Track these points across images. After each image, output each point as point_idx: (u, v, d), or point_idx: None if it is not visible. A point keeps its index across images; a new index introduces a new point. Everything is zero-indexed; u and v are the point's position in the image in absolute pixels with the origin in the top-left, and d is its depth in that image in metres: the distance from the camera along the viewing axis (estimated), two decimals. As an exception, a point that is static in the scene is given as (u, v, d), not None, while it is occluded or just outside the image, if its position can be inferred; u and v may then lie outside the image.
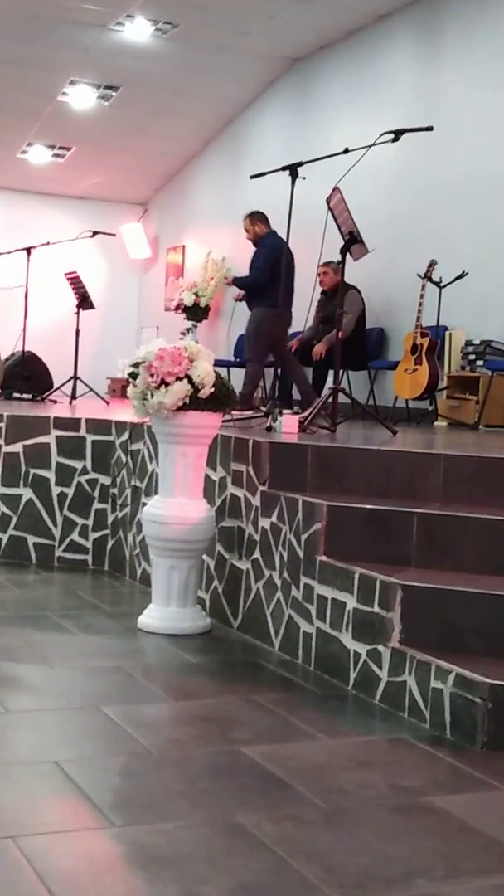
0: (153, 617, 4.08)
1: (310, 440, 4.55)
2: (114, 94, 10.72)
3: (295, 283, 7.76)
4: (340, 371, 6.21)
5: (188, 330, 11.80)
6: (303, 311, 7.07)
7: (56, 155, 12.46)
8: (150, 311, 13.69)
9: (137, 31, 9.49)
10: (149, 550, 4.25)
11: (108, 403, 8.60)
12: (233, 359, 10.72)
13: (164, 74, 10.25)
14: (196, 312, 11.81)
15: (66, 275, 9.08)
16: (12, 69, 10.07)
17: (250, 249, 8.17)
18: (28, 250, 8.76)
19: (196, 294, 11.73)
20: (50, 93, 10.69)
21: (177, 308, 11.84)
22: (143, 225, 13.85)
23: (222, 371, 4.44)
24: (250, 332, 8.04)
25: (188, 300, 11.72)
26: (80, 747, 2.77)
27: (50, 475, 5.48)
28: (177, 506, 4.06)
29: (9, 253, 8.74)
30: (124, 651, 3.80)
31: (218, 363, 4.61)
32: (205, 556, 4.38)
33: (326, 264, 8.24)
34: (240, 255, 11.54)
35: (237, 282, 8.25)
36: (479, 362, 7.82)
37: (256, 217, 8.20)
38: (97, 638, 3.98)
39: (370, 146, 5.32)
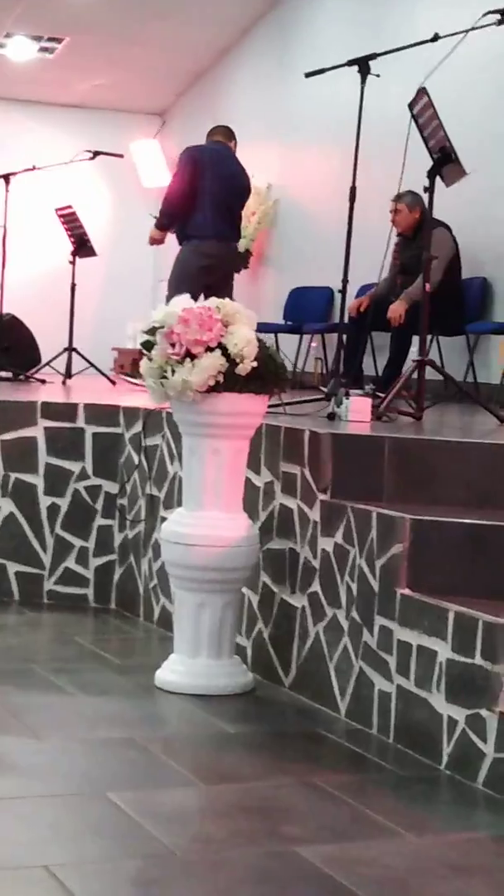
0: (176, 671, 4.10)
1: (387, 431, 4.55)
2: (120, -35, 10.78)
3: (241, 208, 8.26)
4: (428, 337, 6.20)
5: (222, 283, 11.81)
6: (376, 260, 7.06)
7: (43, 49, 12.53)
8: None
9: None
10: (170, 582, 4.27)
11: (114, 384, 8.65)
12: (283, 321, 10.73)
13: None
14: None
15: (57, 211, 9.12)
16: None
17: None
18: (6, 178, 8.81)
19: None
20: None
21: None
22: (160, 142, 13.89)
23: (268, 338, 4.45)
24: (172, 274, 8.30)
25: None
26: (80, 847, 2.79)
27: (37, 481, 5.52)
28: (207, 521, 4.07)
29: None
30: (138, 717, 3.82)
31: (262, 328, 4.61)
32: (245, 590, 4.39)
33: (398, 198, 8.19)
34: (293, 182, 11.54)
35: (158, 224, 8.43)
36: None
37: (217, 130, 8.52)
38: (101, 700, 4.00)
39: (468, 31, 5.31)
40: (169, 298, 8.04)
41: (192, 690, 4.03)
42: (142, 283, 13.77)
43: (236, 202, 8.36)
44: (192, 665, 4.10)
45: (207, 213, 8.14)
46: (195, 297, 7.80)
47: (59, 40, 12.32)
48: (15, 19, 11.76)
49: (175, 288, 8.03)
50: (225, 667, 4.11)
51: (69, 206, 9.13)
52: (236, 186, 8.35)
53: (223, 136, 8.49)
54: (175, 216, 8.19)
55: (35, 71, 12.79)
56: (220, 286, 7.85)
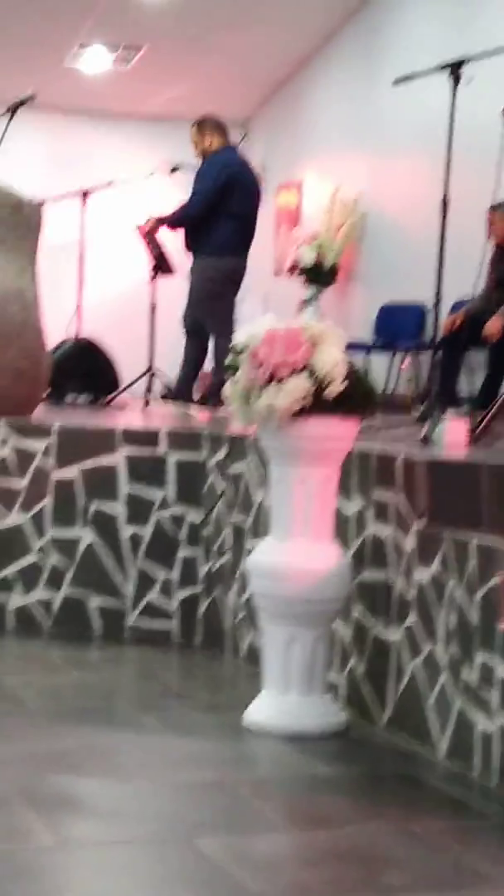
0: (266, 710, 4.10)
1: (485, 455, 4.52)
2: (199, -29, 10.84)
3: (257, 222, 8.49)
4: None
5: (308, 301, 11.82)
6: (471, 273, 7.02)
7: (119, 60, 12.64)
8: (253, 274, 13.74)
9: None
10: (258, 615, 4.27)
11: (198, 407, 8.68)
12: (372, 340, 10.71)
13: None
14: (319, 275, 11.80)
15: (139, 228, 9.18)
16: None
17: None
18: (83, 195, 8.91)
19: (319, 249, 11.75)
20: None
21: (292, 270, 11.86)
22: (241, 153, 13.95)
23: (357, 358, 4.45)
24: (201, 294, 8.38)
25: (307, 258, 11.72)
26: (166, 896, 2.79)
27: (118, 510, 5.55)
28: (296, 552, 4.07)
29: (56, 200, 8.89)
30: (226, 759, 3.82)
31: (351, 346, 4.61)
32: (337, 624, 4.38)
33: (494, 209, 8.16)
34: (381, 193, 11.53)
35: (166, 221, 8.53)
36: None
37: (208, 126, 8.58)
38: (188, 740, 4.00)
39: None
40: (189, 316, 8.31)
41: (283, 730, 4.02)
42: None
43: (255, 213, 8.58)
44: (282, 703, 4.09)
45: (231, 228, 8.34)
46: (222, 314, 8.06)
47: (135, 51, 12.42)
48: (90, 29, 11.88)
49: (197, 304, 8.33)
50: (316, 705, 4.10)
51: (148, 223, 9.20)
52: (256, 196, 8.58)
53: (224, 136, 8.60)
54: (194, 228, 8.35)
55: (111, 83, 12.90)
56: (232, 301, 8.46)
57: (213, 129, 8.53)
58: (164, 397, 8.69)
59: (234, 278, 8.52)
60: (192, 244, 8.38)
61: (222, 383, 7.94)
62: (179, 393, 8.42)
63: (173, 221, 8.45)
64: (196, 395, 8.68)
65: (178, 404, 8.21)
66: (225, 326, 8.32)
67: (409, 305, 10.56)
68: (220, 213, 8.25)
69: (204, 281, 8.32)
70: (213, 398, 8.12)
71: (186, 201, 8.38)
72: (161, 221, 8.53)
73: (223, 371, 8.02)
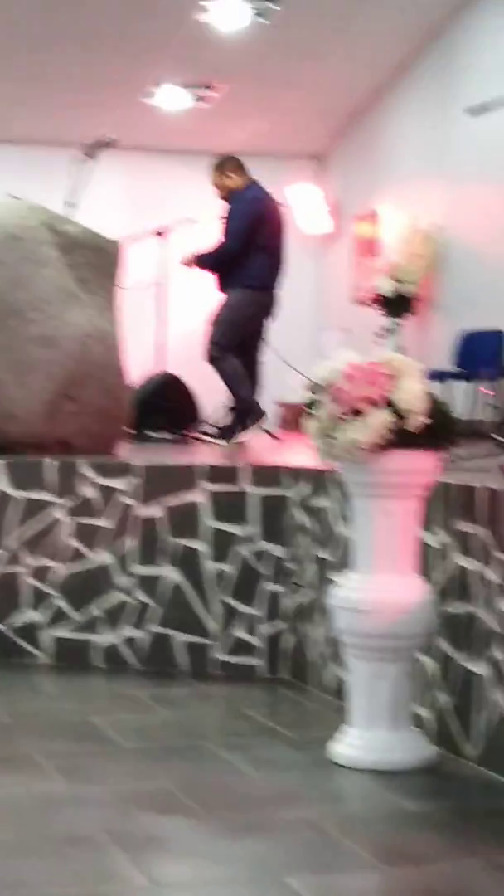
0: (352, 745, 4.09)
1: None
2: (274, 6, 10.90)
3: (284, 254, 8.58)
4: None
5: (387, 331, 11.82)
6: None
7: (196, 97, 12.73)
8: (332, 305, 13.80)
9: None
10: (343, 650, 4.26)
11: (278, 440, 8.69)
12: (453, 366, 10.67)
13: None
14: (398, 306, 11.83)
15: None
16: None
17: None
18: (162, 233, 8.97)
19: (398, 280, 11.76)
20: (185, 9, 10.96)
21: (371, 300, 11.89)
22: (319, 187, 14.00)
23: (437, 386, 4.44)
24: (224, 318, 8.52)
25: (386, 289, 11.76)
26: (257, 936, 2.79)
27: (202, 547, 5.57)
28: (380, 585, 4.07)
29: (136, 238, 8.96)
30: (313, 795, 3.82)
31: (431, 375, 4.60)
32: (422, 657, 4.36)
33: None
34: (460, 222, 11.51)
35: (201, 262, 8.67)
36: None
37: (228, 166, 8.66)
38: (275, 777, 4.00)
39: None
40: (216, 344, 8.41)
41: (370, 765, 4.01)
42: (303, 332, 13.82)
43: (283, 244, 8.71)
44: (369, 738, 4.08)
45: (263, 261, 8.50)
46: (244, 344, 8.17)
47: (211, 87, 12.51)
48: (166, 67, 11.98)
49: (223, 333, 8.45)
50: (403, 739, 4.08)
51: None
52: (282, 227, 8.72)
53: (245, 173, 8.72)
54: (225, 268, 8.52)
55: (188, 119, 12.99)
56: (260, 333, 8.69)
57: (234, 168, 8.65)
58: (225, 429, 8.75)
59: (267, 312, 8.69)
60: (224, 281, 8.55)
61: (247, 400, 8.25)
62: (246, 415, 8.58)
63: (212, 264, 8.59)
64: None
65: (253, 427, 8.46)
66: (221, 352, 8.51)
67: (489, 332, 10.52)
68: (251, 248, 8.42)
69: (231, 309, 8.49)
70: (249, 416, 8.46)
71: (220, 242, 8.52)
72: (199, 260, 8.64)
73: (240, 390, 8.29)
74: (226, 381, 8.52)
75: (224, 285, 8.56)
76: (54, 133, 12.53)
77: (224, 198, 8.60)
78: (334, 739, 4.16)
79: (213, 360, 8.48)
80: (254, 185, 8.64)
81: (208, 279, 8.87)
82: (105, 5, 10.71)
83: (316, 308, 14.04)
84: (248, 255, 8.44)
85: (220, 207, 8.66)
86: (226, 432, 8.46)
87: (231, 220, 8.49)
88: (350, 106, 13.08)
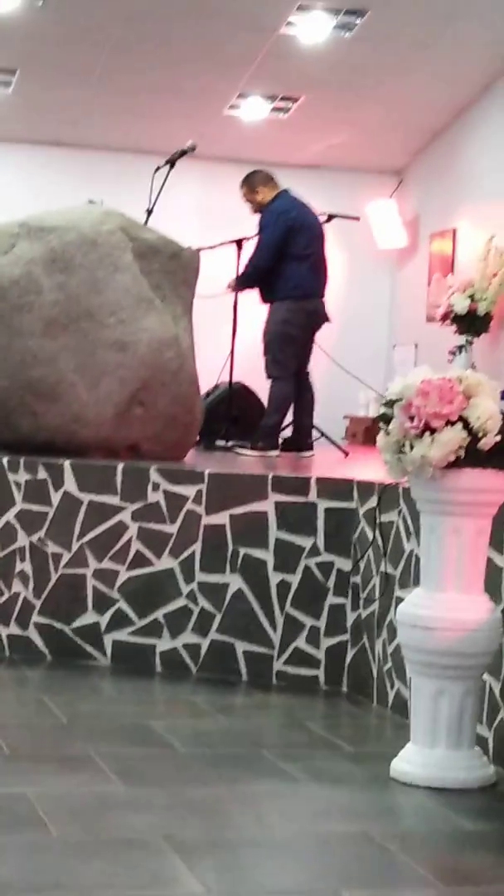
0: (413, 762, 4.07)
1: None
2: (358, 21, 10.91)
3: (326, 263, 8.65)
4: None
5: (460, 348, 11.77)
6: None
7: (277, 109, 12.76)
8: (405, 321, 13.77)
9: None
10: (406, 666, 4.25)
11: (346, 455, 8.70)
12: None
13: (428, -9, 10.38)
14: (472, 323, 11.78)
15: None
16: (219, -5, 10.45)
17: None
18: (238, 243, 8.99)
19: (472, 298, 11.71)
20: (270, 24, 11.00)
21: (444, 318, 11.85)
22: (397, 202, 13.98)
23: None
24: (272, 335, 8.53)
25: (461, 306, 11.71)
26: None
27: (267, 557, 5.57)
28: (447, 604, 4.05)
29: (212, 248, 8.99)
30: (372, 810, 3.80)
31: (505, 397, 4.58)
32: (487, 677, 4.34)
33: None
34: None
35: (241, 283, 8.77)
36: None
37: (256, 180, 8.76)
38: (333, 790, 4.00)
39: None
40: (276, 362, 8.43)
41: (430, 783, 3.99)
42: (376, 348, 13.82)
43: (322, 251, 8.73)
44: (430, 756, 4.06)
45: (303, 269, 8.48)
46: (286, 359, 8.09)
47: (293, 99, 12.53)
48: (248, 79, 12.03)
49: (279, 348, 8.49)
50: (464, 759, 4.06)
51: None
52: (319, 233, 8.76)
53: (275, 185, 8.85)
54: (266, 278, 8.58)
55: (268, 131, 13.02)
56: (311, 344, 8.71)
57: (262, 181, 8.74)
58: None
59: (311, 320, 8.64)
60: (267, 293, 8.59)
61: (273, 426, 8.28)
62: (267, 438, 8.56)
63: (246, 280, 8.65)
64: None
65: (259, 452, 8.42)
66: (284, 371, 8.52)
67: None
68: (289, 258, 8.43)
69: (279, 323, 8.48)
70: (263, 440, 8.34)
71: (252, 255, 8.58)
72: (239, 282, 8.73)
73: (274, 415, 8.34)
74: (270, 400, 8.57)
75: (267, 298, 8.60)
76: (135, 141, 12.62)
77: (256, 213, 8.71)
78: (394, 755, 4.15)
79: (273, 378, 8.55)
80: (283, 194, 8.71)
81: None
82: (192, 17, 10.76)
83: (389, 324, 14.02)
84: (287, 265, 8.45)
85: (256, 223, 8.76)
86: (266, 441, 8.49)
87: (261, 233, 8.55)
88: (431, 122, 13.05)
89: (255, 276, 8.58)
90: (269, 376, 8.55)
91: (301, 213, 8.63)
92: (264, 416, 8.57)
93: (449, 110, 12.76)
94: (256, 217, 8.71)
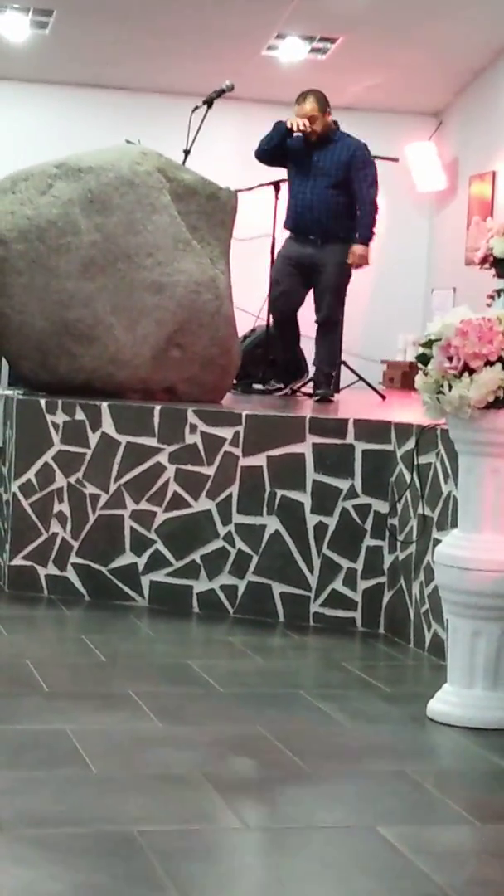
0: (449, 702, 4.09)
1: None
2: (396, -40, 10.82)
3: None
4: None
5: (499, 292, 11.70)
6: None
7: (315, 49, 12.66)
8: (444, 265, 13.69)
9: None
10: (443, 607, 4.26)
11: (383, 398, 8.67)
12: None
13: None
14: (511, 267, 11.71)
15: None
16: None
17: None
18: (276, 185, 8.94)
19: (511, 241, 11.63)
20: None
21: (483, 261, 11.75)
22: (436, 144, 13.88)
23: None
24: (342, 285, 8.20)
25: (500, 249, 11.61)
26: (349, 884, 2.81)
27: (304, 499, 5.58)
28: (485, 544, 4.05)
29: (251, 189, 8.95)
30: (408, 749, 3.83)
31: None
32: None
33: None
34: None
35: (368, 238, 8.18)
36: None
37: (325, 100, 8.30)
38: (370, 729, 4.02)
39: None
40: (337, 303, 8.11)
41: (466, 723, 4.01)
42: (413, 292, 13.76)
43: None
44: (466, 696, 4.07)
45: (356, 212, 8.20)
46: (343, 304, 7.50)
47: (331, 40, 12.43)
48: (287, 19, 11.94)
49: (341, 300, 8.23)
50: (501, 699, 4.06)
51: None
52: None
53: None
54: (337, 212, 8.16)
55: (306, 72, 12.92)
56: None
57: (324, 106, 8.30)
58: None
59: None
60: (330, 232, 8.11)
61: (329, 375, 8.01)
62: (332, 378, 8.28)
63: (374, 224, 8.18)
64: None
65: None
66: (342, 317, 8.31)
67: None
68: (354, 199, 8.14)
69: (347, 265, 8.12)
70: (323, 388, 8.01)
71: (368, 195, 8.11)
72: (366, 239, 8.17)
73: (333, 357, 8.09)
74: (334, 349, 8.26)
75: (338, 237, 8.12)
76: (172, 82, 12.55)
77: (321, 136, 8.17)
78: (430, 696, 4.16)
79: (337, 322, 8.24)
80: (338, 128, 8.37)
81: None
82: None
83: (428, 267, 13.94)
84: (352, 207, 8.13)
85: (316, 145, 8.20)
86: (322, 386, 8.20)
87: (367, 167, 8.13)
88: (471, 64, 12.93)
89: (375, 216, 8.16)
90: (333, 320, 8.20)
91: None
92: (333, 364, 8.27)
93: (489, 51, 12.63)
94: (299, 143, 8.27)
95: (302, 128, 8.11)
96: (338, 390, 8.62)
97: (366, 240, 8.12)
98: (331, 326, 8.20)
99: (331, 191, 8.10)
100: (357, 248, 8.07)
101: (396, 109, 13.72)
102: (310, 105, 8.21)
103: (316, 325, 8.24)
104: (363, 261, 8.12)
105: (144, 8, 11.51)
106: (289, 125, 8.18)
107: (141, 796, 3.27)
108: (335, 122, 8.30)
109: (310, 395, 8.18)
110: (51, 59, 12.50)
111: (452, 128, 13.76)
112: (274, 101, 13.41)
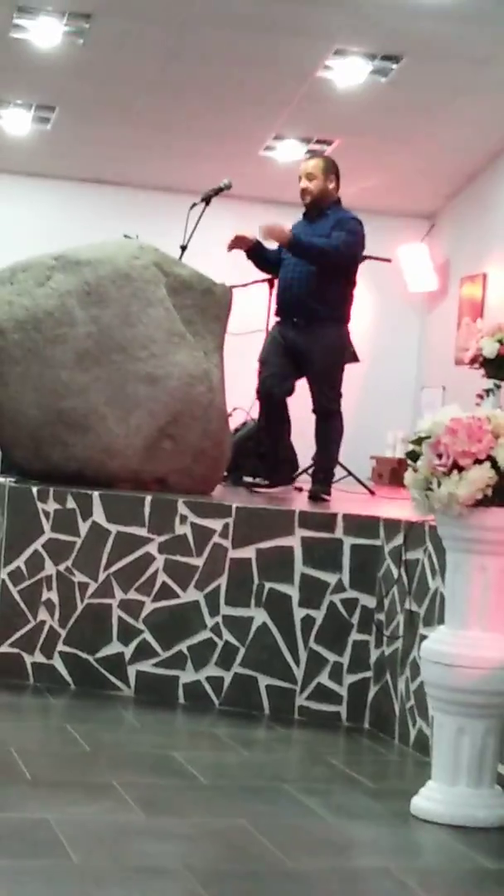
0: (434, 799, 4.05)
1: None
2: (393, 66, 10.96)
3: None
4: None
5: (488, 392, 11.74)
6: None
7: (312, 151, 12.81)
8: (434, 364, 13.76)
9: (427, -19, 9.71)
10: (429, 703, 4.23)
11: (372, 494, 8.67)
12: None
13: (463, 38, 10.43)
14: (501, 367, 11.75)
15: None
16: (257, 37, 10.51)
17: None
18: (270, 281, 9.00)
19: (501, 342, 11.70)
20: (306, 68, 11.05)
21: (473, 361, 11.82)
22: (428, 246, 14.01)
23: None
24: (338, 364, 7.56)
25: (489, 350, 11.63)
26: None
27: (292, 592, 5.56)
28: (471, 642, 4.04)
29: (245, 286, 9.01)
30: (392, 846, 3.79)
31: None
32: (509, 717, 4.32)
33: None
34: None
35: (304, 247, 7.31)
36: None
37: (336, 169, 7.68)
38: (354, 825, 3.98)
39: None
40: (330, 389, 7.41)
41: (449, 820, 3.97)
42: (404, 390, 13.83)
43: None
44: (450, 793, 4.04)
45: (351, 300, 7.64)
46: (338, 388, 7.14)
47: (328, 142, 12.59)
48: (284, 122, 12.09)
49: (341, 377, 7.58)
50: (485, 797, 4.04)
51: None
52: None
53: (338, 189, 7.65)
54: (337, 273, 7.41)
55: (302, 173, 13.07)
56: None
57: (338, 174, 7.73)
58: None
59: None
60: (318, 309, 7.37)
61: (325, 471, 7.48)
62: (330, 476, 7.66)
63: (320, 253, 7.31)
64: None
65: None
66: (339, 403, 7.57)
67: None
68: (351, 282, 7.54)
69: (340, 350, 7.60)
70: (317, 484, 7.40)
71: (335, 242, 7.33)
72: (308, 245, 7.33)
73: (330, 452, 7.52)
74: (334, 439, 7.58)
75: (324, 317, 7.42)
76: (171, 179, 12.68)
77: (313, 203, 7.56)
78: (414, 792, 4.13)
79: (335, 412, 7.53)
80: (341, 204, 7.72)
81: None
82: (230, 58, 10.83)
83: (418, 365, 14.03)
84: (350, 287, 7.52)
85: (310, 212, 7.63)
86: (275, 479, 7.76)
87: (349, 233, 7.36)
88: (464, 168, 13.09)
89: (332, 258, 7.31)
90: (327, 410, 7.52)
91: None
92: (330, 459, 7.61)
93: (481, 156, 12.80)
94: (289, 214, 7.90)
95: (233, 245, 7.56)
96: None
97: (296, 242, 7.32)
98: (326, 417, 7.53)
99: (313, 268, 7.36)
100: (278, 226, 7.45)
101: (390, 211, 13.86)
102: (312, 163, 7.71)
103: (314, 417, 7.66)
104: (272, 234, 7.40)
105: (145, 106, 11.66)
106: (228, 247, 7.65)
107: (122, 888, 3.23)
108: (338, 199, 7.67)
109: (300, 490, 7.85)
110: (52, 154, 12.64)
111: (444, 230, 13.90)
112: (270, 201, 13.58)
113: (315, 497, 7.28)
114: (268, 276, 8.89)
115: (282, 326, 7.62)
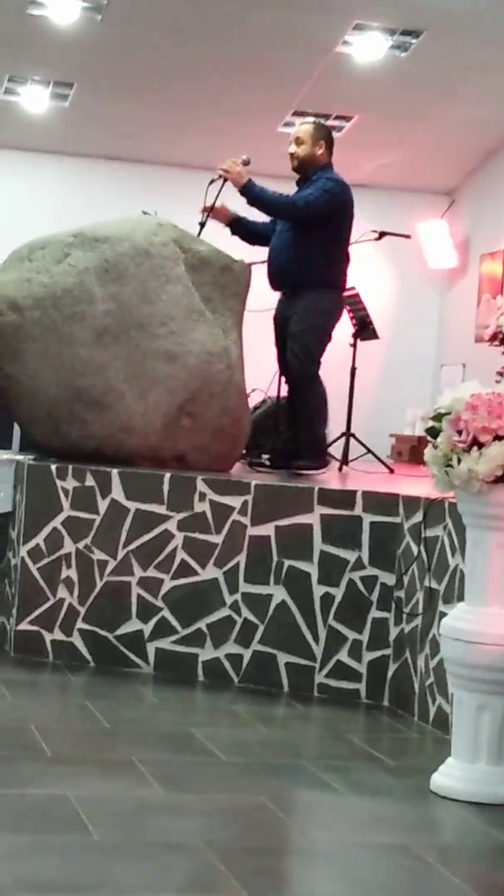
0: (453, 776, 4.05)
1: None
2: (413, 41, 10.91)
3: None
4: None
5: (508, 369, 11.74)
6: None
7: (331, 127, 12.77)
8: (454, 341, 13.73)
9: (447, -45, 9.67)
10: (448, 681, 4.23)
11: (391, 471, 8.66)
12: None
13: (484, 12, 10.37)
14: (520, 345, 11.74)
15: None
16: (276, 13, 10.47)
17: None
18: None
19: (521, 319, 11.66)
20: (325, 43, 11.01)
21: (493, 338, 11.80)
22: (448, 222, 13.96)
23: None
24: (320, 326, 7.14)
25: (509, 327, 11.67)
26: None
27: (311, 569, 5.56)
28: (491, 618, 4.03)
29: (264, 262, 8.99)
30: (411, 823, 3.79)
31: None
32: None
33: None
34: None
35: (250, 194, 7.19)
36: None
37: (326, 134, 7.48)
38: (373, 802, 3.98)
39: None
40: (308, 353, 7.00)
41: (470, 797, 3.97)
42: (423, 367, 13.81)
43: None
44: (470, 771, 4.03)
45: (344, 262, 7.40)
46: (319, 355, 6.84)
47: (347, 118, 12.55)
48: (303, 98, 12.06)
49: (319, 343, 7.17)
50: (505, 774, 4.04)
51: (352, 288, 9.22)
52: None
53: (331, 154, 7.43)
54: (308, 223, 7.15)
55: (321, 150, 13.04)
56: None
57: (329, 141, 7.44)
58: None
59: (337, 321, 7.45)
60: (308, 277, 7.13)
61: (309, 442, 7.10)
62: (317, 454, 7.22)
63: (273, 204, 7.23)
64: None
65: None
66: (318, 368, 7.17)
67: None
68: (336, 244, 7.27)
69: (332, 314, 7.29)
70: (304, 459, 7.04)
71: (304, 195, 7.21)
72: (261, 192, 7.25)
73: (313, 425, 7.06)
74: (310, 409, 7.19)
75: (307, 283, 7.14)
76: (189, 156, 12.66)
77: (299, 168, 7.45)
78: (434, 769, 4.12)
79: (308, 378, 7.12)
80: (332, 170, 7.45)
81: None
82: (249, 34, 10.79)
83: (438, 343, 14.00)
84: (336, 249, 7.26)
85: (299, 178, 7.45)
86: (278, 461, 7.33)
87: (317, 189, 7.17)
88: (483, 144, 13.04)
89: (280, 211, 7.24)
90: (304, 377, 7.14)
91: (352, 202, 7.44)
92: (315, 435, 7.23)
93: (501, 132, 12.74)
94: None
95: (220, 173, 7.31)
96: (346, 462, 8.59)
97: (249, 189, 7.24)
98: (300, 384, 7.19)
99: (293, 232, 7.22)
100: (237, 168, 7.26)
101: (410, 188, 13.83)
102: (303, 128, 7.51)
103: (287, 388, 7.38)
104: (230, 173, 7.26)
105: (163, 83, 11.64)
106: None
107: (142, 864, 3.24)
108: (326, 165, 7.40)
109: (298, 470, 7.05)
110: (70, 131, 12.63)
111: (464, 207, 13.85)
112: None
113: (302, 470, 6.93)
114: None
115: (279, 302, 7.41)
